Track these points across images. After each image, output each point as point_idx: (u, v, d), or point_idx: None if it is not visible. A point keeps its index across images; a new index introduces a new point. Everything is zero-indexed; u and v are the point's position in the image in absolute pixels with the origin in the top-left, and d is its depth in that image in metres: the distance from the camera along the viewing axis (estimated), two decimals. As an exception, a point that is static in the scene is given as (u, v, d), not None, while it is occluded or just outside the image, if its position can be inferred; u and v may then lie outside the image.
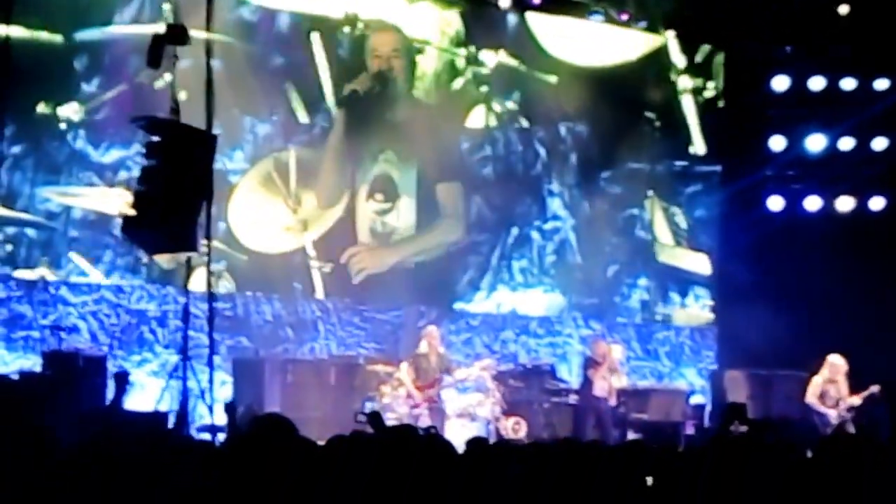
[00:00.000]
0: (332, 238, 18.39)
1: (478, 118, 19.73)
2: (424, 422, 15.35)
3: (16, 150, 16.26)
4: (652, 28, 20.32)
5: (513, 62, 19.69)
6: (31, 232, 16.55)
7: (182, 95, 14.09)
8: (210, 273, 14.58)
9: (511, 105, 19.86)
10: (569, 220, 20.19)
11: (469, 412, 16.46)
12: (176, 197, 13.57)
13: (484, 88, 19.67)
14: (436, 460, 7.30)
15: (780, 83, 20.31)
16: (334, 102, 18.38)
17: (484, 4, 19.62)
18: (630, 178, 20.28)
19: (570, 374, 18.74)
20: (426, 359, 16.53)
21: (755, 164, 20.41)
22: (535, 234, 20.00)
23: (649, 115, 20.44)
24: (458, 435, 15.50)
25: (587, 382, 16.98)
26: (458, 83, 19.61)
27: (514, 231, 19.85)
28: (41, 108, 16.56)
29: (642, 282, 20.53)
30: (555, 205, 20.18)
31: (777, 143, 20.41)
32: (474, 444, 7.88)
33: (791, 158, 20.37)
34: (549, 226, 20.12)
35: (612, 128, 19.81)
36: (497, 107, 19.80)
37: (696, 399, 18.74)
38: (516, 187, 19.92)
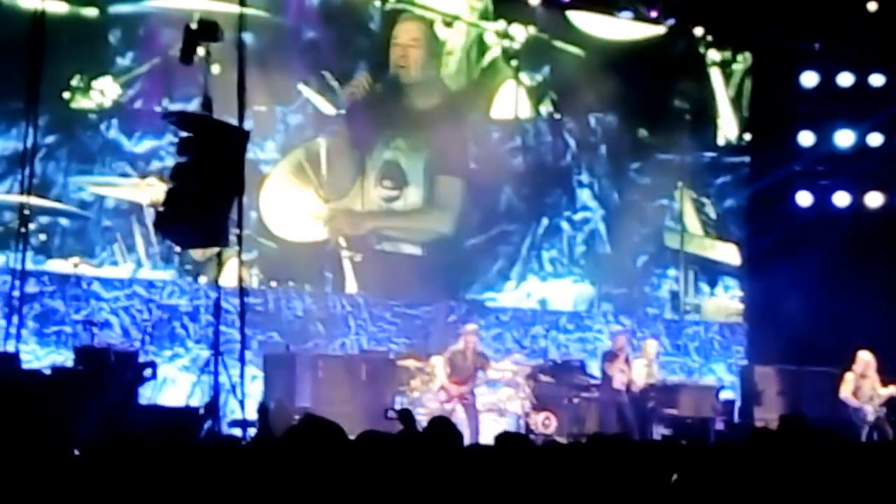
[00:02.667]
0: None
1: (507, 106, 19.69)
2: (458, 417, 15.35)
3: (49, 139, 16.40)
4: (681, 25, 20.29)
5: (542, 35, 19.70)
6: (64, 221, 16.69)
7: (215, 69, 14.15)
8: (241, 266, 14.61)
9: (539, 79, 19.89)
10: (598, 211, 20.25)
11: (499, 407, 16.48)
12: (208, 192, 13.62)
13: (514, 63, 19.66)
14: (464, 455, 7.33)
15: (809, 79, 20.27)
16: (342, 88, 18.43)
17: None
18: (659, 168, 20.30)
19: (601, 370, 18.68)
20: (462, 355, 16.51)
21: (784, 159, 20.36)
22: (564, 225, 20.07)
23: (679, 104, 20.42)
24: (487, 430, 15.58)
25: (605, 376, 17.02)
26: (487, 59, 19.64)
27: (545, 221, 19.92)
28: (75, 81, 16.71)
29: (672, 272, 20.55)
30: (584, 195, 20.22)
31: (806, 138, 20.37)
32: (504, 438, 7.91)
33: (820, 154, 20.33)
34: (578, 216, 20.18)
35: (641, 118, 19.80)
36: (527, 80, 19.79)
37: (725, 395, 18.68)
38: (546, 178, 19.94)
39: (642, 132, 20.13)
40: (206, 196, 13.61)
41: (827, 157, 20.34)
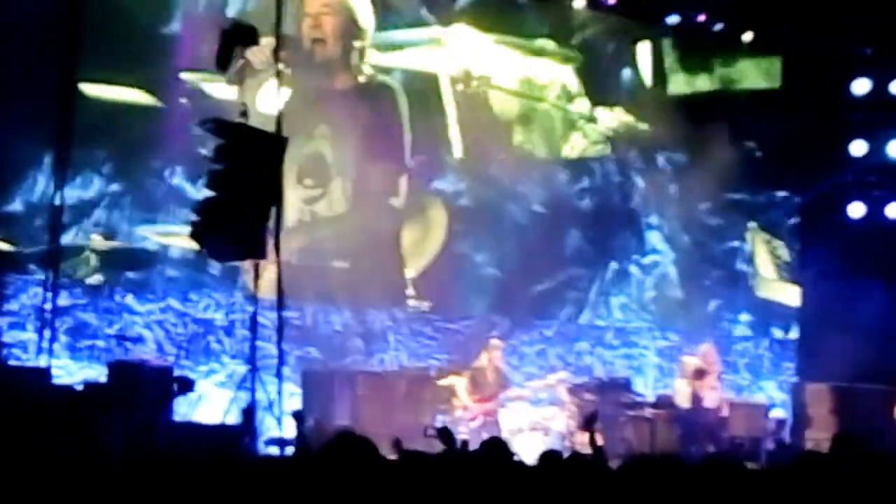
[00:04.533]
0: (431, 272, 18.26)
1: (575, 147, 19.38)
2: (482, 436, 15.04)
3: (114, 188, 16.19)
4: (729, 30, 19.91)
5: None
6: (131, 275, 16.49)
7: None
8: (280, 280, 14.33)
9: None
10: (668, 254, 19.91)
11: (543, 425, 16.17)
12: (244, 202, 13.39)
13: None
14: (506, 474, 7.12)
15: (861, 86, 19.87)
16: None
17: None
18: (730, 209, 20.00)
19: (647, 387, 18.41)
20: (483, 373, 16.22)
21: (835, 169, 19.97)
22: (634, 269, 19.69)
23: (749, 143, 20.06)
24: (531, 448, 15.22)
25: (695, 396, 16.59)
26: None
27: (613, 265, 19.52)
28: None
29: (744, 317, 20.23)
30: (654, 238, 19.89)
31: (858, 147, 19.97)
32: (547, 457, 7.65)
33: (873, 164, 19.88)
34: (648, 260, 19.83)
35: (711, 157, 19.46)
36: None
37: (776, 413, 18.30)
38: (614, 220, 19.59)
39: (712, 170, 19.78)
40: (243, 206, 13.37)
41: (880, 167, 19.87)
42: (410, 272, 18.08)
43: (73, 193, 15.97)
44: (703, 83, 20.17)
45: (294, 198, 17.12)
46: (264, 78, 15.46)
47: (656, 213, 19.88)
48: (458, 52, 18.43)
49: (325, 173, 17.65)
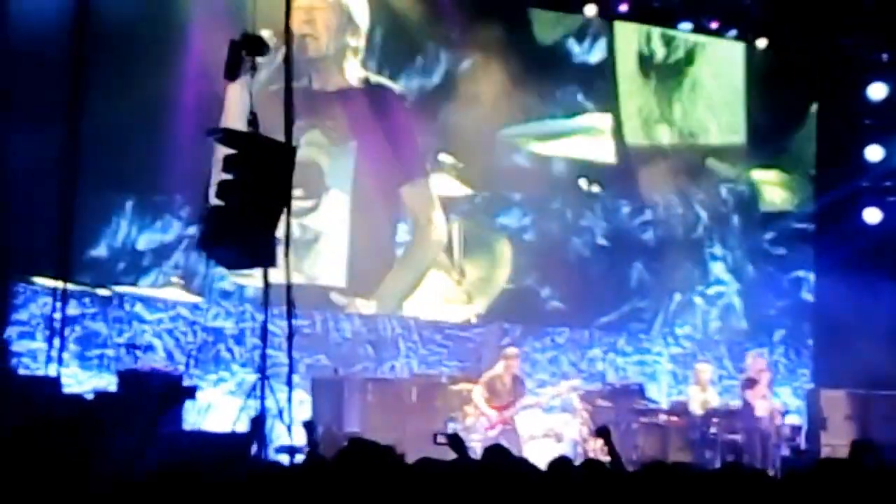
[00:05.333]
0: (497, 308, 18.23)
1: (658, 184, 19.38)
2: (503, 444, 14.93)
3: (191, 230, 16.12)
4: (742, 36, 19.81)
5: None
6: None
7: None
8: (289, 289, 14.24)
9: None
10: (733, 285, 19.80)
11: (555, 432, 16.05)
12: (254, 211, 13.30)
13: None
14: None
15: (878, 91, 19.76)
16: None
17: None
18: (794, 238, 19.93)
19: (660, 394, 18.30)
20: (500, 380, 16.10)
21: (851, 174, 19.84)
22: (698, 300, 19.59)
23: (811, 171, 20.04)
24: (543, 456, 15.10)
25: (746, 404, 16.49)
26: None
27: (677, 297, 19.45)
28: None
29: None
30: (717, 269, 19.78)
31: (874, 153, 19.84)
32: (558, 464, 7.56)
33: (889, 169, 19.79)
34: (712, 290, 19.72)
35: (773, 186, 19.35)
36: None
37: (791, 419, 18.16)
38: (678, 252, 19.48)
39: (774, 199, 19.63)
40: (252, 215, 13.27)
41: (896, 172, 19.85)
42: (477, 308, 18.09)
43: (153, 237, 16.21)
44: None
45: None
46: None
47: (720, 243, 19.82)
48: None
49: (319, 183, 17.41)
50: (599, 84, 19.20)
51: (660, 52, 19.64)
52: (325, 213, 17.47)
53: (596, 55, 19.29)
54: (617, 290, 19.10)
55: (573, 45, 19.08)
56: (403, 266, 17.90)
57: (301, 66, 16.55)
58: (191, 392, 13.58)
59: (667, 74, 19.69)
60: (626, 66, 19.51)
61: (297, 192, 16.26)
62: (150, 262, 16.33)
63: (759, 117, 19.89)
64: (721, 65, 20.01)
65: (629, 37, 19.51)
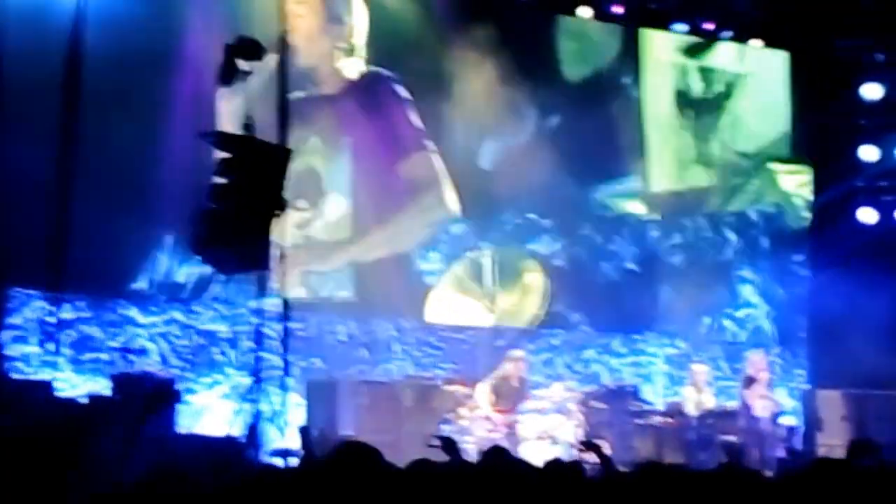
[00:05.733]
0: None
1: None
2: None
3: None
4: (738, 38, 19.79)
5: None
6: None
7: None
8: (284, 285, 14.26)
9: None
10: (762, 307, 19.80)
11: (550, 435, 16.00)
12: (248, 214, 13.27)
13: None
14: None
15: (872, 91, 19.75)
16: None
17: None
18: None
19: (655, 395, 18.26)
20: (509, 383, 16.06)
21: (846, 174, 19.85)
22: (727, 323, 19.62)
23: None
24: (538, 458, 15.05)
25: (744, 404, 16.46)
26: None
27: (706, 320, 19.48)
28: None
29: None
30: (747, 291, 19.80)
31: (868, 152, 19.83)
32: (552, 466, 7.54)
33: (884, 169, 19.79)
34: (741, 313, 19.74)
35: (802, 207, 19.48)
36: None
37: (786, 420, 18.14)
38: (707, 275, 19.51)
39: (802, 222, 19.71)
40: (246, 218, 13.25)
41: (891, 172, 19.81)
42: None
43: (192, 270, 16.14)
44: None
45: (285, 222, 16.98)
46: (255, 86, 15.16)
47: (749, 266, 19.83)
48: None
49: (317, 189, 17.33)
50: (626, 127, 19.26)
51: (697, 87, 19.68)
52: (325, 221, 17.38)
53: (624, 96, 19.37)
54: (647, 314, 19.17)
55: (601, 82, 19.12)
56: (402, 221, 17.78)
57: (293, 76, 16.53)
58: (177, 395, 13.49)
59: (705, 111, 19.75)
60: (659, 107, 19.60)
61: (298, 203, 16.53)
62: (190, 294, 16.35)
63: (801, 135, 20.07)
64: (762, 95, 20.11)
65: (663, 72, 19.58)
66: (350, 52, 17.48)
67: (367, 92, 17.50)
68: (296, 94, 16.59)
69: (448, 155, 17.85)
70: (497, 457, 7.60)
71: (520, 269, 18.46)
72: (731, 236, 19.75)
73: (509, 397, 15.92)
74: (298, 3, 16.94)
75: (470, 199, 17.94)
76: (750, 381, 16.51)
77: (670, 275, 19.31)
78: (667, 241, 19.39)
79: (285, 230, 15.68)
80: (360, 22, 17.55)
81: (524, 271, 18.50)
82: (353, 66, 17.53)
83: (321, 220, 17.34)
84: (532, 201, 18.42)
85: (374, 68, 17.58)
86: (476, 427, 15.70)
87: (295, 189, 16.02)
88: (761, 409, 16.36)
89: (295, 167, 15.89)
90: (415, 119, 17.70)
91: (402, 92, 17.68)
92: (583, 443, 10.74)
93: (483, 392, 15.92)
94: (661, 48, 19.53)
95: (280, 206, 13.53)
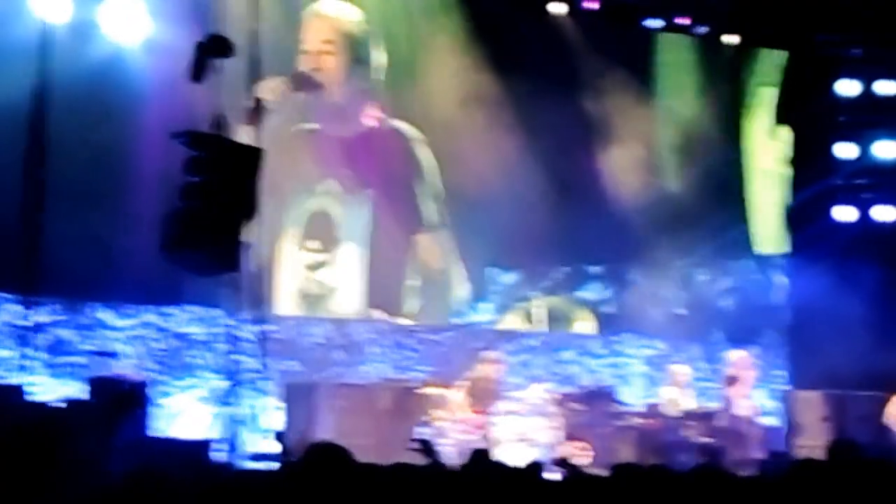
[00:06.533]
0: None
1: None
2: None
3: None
4: (714, 33, 19.71)
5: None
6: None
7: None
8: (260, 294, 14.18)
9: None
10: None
11: (528, 437, 15.92)
12: (219, 215, 13.17)
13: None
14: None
15: (849, 88, 19.75)
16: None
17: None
18: None
19: (634, 396, 18.22)
20: (486, 384, 15.98)
21: (822, 172, 19.86)
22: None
23: None
24: (516, 460, 14.97)
25: (727, 403, 16.45)
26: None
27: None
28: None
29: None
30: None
31: (845, 150, 19.83)
32: (532, 468, 7.51)
33: (862, 167, 19.82)
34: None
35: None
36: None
37: (766, 421, 18.12)
38: (757, 318, 19.68)
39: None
40: (217, 219, 13.15)
41: (868, 169, 19.85)
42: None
43: (168, 272, 15.64)
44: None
45: (296, 262, 16.81)
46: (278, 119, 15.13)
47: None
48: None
49: (333, 235, 17.07)
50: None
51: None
52: (339, 268, 17.19)
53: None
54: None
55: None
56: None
57: (313, 109, 16.48)
58: (146, 399, 13.35)
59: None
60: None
61: (312, 245, 16.62)
62: (165, 296, 16.26)
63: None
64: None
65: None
66: (371, 94, 17.05)
67: (394, 145, 17.19)
68: (313, 126, 16.59)
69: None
70: (479, 459, 7.61)
71: (568, 317, 18.66)
72: (779, 278, 19.98)
73: (486, 399, 15.84)
74: (327, 41, 16.62)
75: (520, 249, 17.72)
76: (732, 381, 16.48)
77: (720, 319, 19.47)
78: (715, 285, 19.59)
79: (295, 271, 16.53)
80: (380, 61, 17.19)
81: (573, 320, 18.72)
82: (375, 110, 17.20)
83: (335, 268, 17.18)
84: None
85: (395, 123, 17.30)
86: (453, 429, 15.61)
87: (308, 228, 16.59)
88: (743, 408, 16.32)
89: (307, 206, 16.48)
90: (433, 191, 17.50)
91: (423, 154, 17.41)
92: (557, 462, 10.70)
93: (460, 394, 15.84)
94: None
95: (252, 208, 13.42)
